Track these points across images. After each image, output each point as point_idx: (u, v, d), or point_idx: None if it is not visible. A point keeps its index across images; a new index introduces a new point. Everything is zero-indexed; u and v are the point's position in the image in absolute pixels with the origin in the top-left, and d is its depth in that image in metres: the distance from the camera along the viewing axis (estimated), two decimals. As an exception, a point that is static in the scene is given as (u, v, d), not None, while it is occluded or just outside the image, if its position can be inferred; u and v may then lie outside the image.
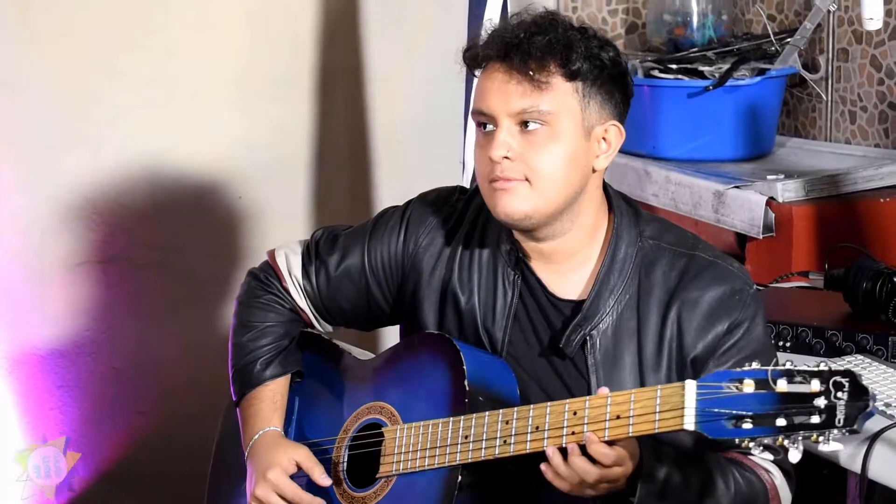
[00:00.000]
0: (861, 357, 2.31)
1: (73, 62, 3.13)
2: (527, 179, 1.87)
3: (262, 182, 3.36)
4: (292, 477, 2.01)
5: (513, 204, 1.88)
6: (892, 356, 2.31)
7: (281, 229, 3.28)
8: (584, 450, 1.75)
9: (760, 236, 2.83)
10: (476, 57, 1.93)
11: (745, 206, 2.87)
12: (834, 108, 3.29)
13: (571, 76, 1.87)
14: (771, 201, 2.83)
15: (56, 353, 3.20)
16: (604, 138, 1.92)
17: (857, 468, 1.99)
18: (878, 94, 3.16)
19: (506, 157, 1.87)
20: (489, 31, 1.95)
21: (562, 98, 1.87)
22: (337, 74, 3.43)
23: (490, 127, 1.90)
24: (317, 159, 3.43)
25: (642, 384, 1.91)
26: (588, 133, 1.90)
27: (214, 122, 3.29)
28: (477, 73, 1.95)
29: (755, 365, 1.64)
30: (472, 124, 2.03)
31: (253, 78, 3.33)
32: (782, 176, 2.93)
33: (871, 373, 2.23)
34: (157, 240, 3.27)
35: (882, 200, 2.89)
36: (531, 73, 1.85)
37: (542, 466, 1.77)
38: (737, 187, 2.92)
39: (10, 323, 3.15)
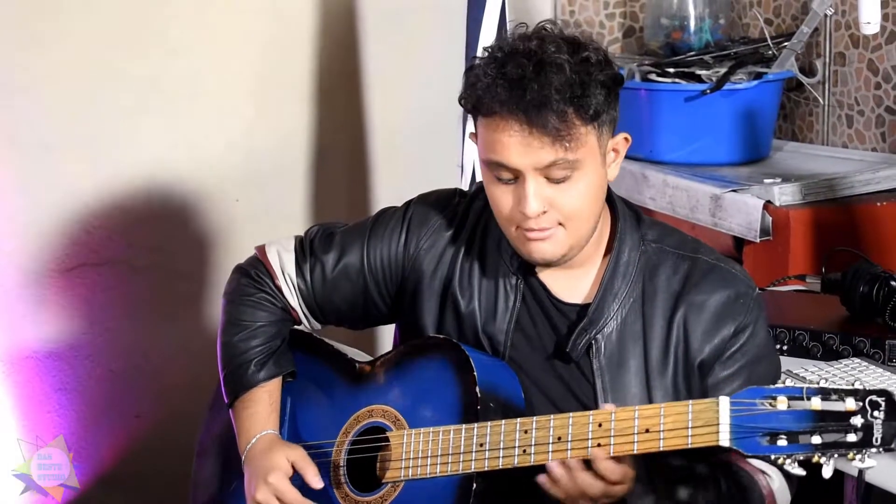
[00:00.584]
0: (858, 360, 2.31)
1: (72, 65, 3.13)
2: (560, 224, 1.87)
3: (260, 185, 3.36)
4: (292, 479, 1.99)
5: (549, 250, 1.88)
6: (889, 359, 2.31)
7: (279, 232, 3.21)
8: (588, 464, 1.75)
9: (758, 240, 2.83)
10: (481, 106, 1.85)
11: (742, 210, 2.87)
12: (831, 112, 3.30)
13: (591, 120, 1.83)
14: (768, 205, 2.83)
15: (53, 356, 3.20)
16: (613, 149, 1.92)
17: (854, 471, 1.99)
18: (875, 98, 3.17)
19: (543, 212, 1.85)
20: (485, 70, 1.83)
21: (584, 142, 1.83)
22: (335, 78, 3.43)
23: (509, 177, 1.86)
24: (315, 163, 3.43)
25: (648, 388, 1.92)
26: (604, 157, 1.89)
27: (212, 125, 3.29)
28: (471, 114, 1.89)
29: (788, 382, 1.66)
30: (470, 128, 2.02)
31: (251, 81, 3.33)
32: (779, 180, 2.94)
33: (868, 376, 2.23)
34: (154, 242, 3.27)
35: (879, 204, 2.89)
36: (554, 127, 1.79)
37: (541, 478, 1.77)
38: (734, 191, 2.92)
39: (7, 326, 3.15)
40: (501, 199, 1.88)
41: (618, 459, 1.76)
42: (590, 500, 1.77)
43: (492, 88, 1.81)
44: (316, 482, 1.99)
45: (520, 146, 1.81)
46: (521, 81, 1.80)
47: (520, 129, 1.81)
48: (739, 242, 2.91)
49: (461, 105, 1.89)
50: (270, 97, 3.36)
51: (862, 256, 2.55)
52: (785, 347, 2.41)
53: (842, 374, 2.24)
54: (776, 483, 1.93)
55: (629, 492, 1.79)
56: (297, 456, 2.01)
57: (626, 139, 1.93)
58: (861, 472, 1.89)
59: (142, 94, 3.20)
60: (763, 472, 1.93)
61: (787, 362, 2.35)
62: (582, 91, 1.80)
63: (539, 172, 1.83)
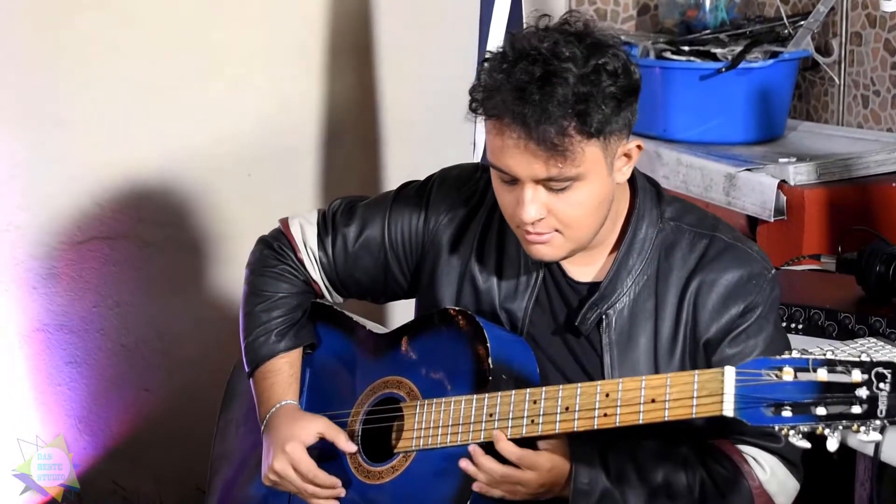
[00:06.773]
0: (874, 340, 2.31)
1: (85, 42, 3.12)
2: (558, 231, 1.85)
3: (272, 160, 3.35)
4: (309, 449, 2.00)
5: (548, 253, 1.88)
6: (905, 339, 2.31)
7: (290, 207, 3.19)
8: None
9: (772, 219, 2.82)
10: (485, 107, 1.81)
11: (756, 189, 2.86)
12: (847, 91, 3.28)
13: (594, 134, 1.78)
14: (783, 184, 2.82)
15: (64, 330, 3.20)
16: (625, 154, 1.88)
17: (868, 450, 1.99)
18: (891, 78, 3.15)
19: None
20: (494, 71, 1.80)
21: (585, 155, 1.79)
22: (348, 53, 3.42)
23: (509, 178, 1.83)
24: (327, 137, 3.42)
25: (656, 367, 1.91)
26: (611, 167, 1.85)
27: (223, 99, 3.28)
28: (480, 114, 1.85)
29: (795, 353, 1.65)
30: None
31: (263, 55, 3.32)
32: (794, 159, 2.92)
33: (884, 357, 2.21)
34: (165, 217, 3.27)
35: (894, 185, 2.87)
36: (552, 142, 1.76)
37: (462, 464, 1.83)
38: (748, 170, 2.91)
39: (18, 299, 3.15)
40: (504, 197, 1.87)
41: (526, 443, 1.80)
42: (501, 486, 1.82)
43: (496, 92, 1.78)
44: (349, 447, 1.99)
45: (518, 156, 1.79)
46: (524, 91, 1.76)
47: (518, 139, 1.77)
48: (753, 222, 2.90)
49: (470, 98, 1.84)
50: (282, 72, 3.34)
51: (878, 236, 2.54)
52: (800, 326, 2.41)
53: (856, 354, 2.23)
54: (766, 475, 1.90)
55: (568, 486, 1.83)
56: (322, 426, 2.01)
57: (638, 147, 1.88)
58: (877, 447, 1.89)
59: (153, 70, 3.19)
60: (756, 462, 1.90)
61: (802, 341, 2.35)
62: (586, 106, 1.75)
63: (538, 182, 1.81)
